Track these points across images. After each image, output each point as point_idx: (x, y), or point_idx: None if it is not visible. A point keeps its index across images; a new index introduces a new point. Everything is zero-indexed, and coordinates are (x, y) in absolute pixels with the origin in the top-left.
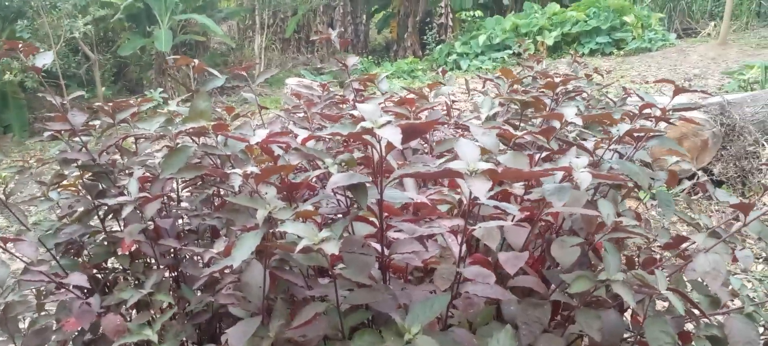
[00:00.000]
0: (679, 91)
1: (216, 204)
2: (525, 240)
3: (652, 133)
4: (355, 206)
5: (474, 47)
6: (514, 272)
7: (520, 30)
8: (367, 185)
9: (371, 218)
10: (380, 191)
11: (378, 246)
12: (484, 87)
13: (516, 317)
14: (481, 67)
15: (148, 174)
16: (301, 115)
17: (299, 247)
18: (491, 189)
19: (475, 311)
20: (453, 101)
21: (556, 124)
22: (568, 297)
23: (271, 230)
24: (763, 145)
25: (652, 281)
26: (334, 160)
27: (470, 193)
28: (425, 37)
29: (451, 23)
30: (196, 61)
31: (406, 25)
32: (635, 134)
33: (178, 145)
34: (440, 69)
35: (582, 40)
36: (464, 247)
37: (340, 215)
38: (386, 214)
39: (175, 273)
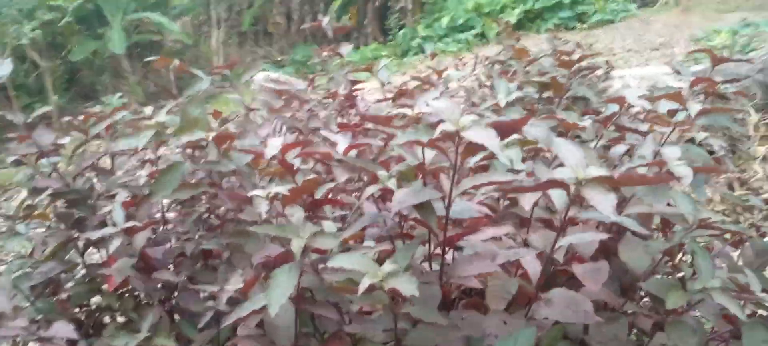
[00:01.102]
0: (718, 60)
1: (209, 223)
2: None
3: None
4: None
5: (438, 30)
6: (597, 287)
7: (483, 9)
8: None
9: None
10: (447, 205)
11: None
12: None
13: (589, 336)
14: (446, 50)
15: (130, 195)
16: (289, 114)
17: (362, 287)
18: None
19: (543, 334)
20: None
21: (613, 108)
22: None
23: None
24: (748, 112)
25: (742, 281)
26: (389, 173)
27: (567, 205)
28: (387, 22)
29: (411, 6)
30: (177, 61)
31: (366, 11)
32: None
33: (171, 163)
34: (430, 53)
35: (545, 15)
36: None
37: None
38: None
39: (169, 307)
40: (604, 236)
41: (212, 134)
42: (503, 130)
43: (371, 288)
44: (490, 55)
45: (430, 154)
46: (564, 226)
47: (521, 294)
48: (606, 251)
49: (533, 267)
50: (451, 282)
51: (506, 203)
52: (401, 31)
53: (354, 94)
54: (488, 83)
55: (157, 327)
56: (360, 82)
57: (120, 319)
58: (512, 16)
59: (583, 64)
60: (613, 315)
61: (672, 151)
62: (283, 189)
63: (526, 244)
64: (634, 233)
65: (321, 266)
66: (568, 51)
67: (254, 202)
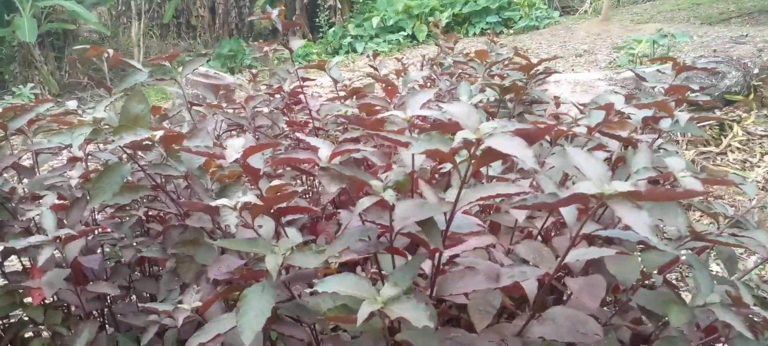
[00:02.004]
0: (682, 69)
1: (147, 228)
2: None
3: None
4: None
5: (368, 29)
6: (596, 304)
7: (413, 11)
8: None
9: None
10: (449, 219)
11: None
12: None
13: None
14: (377, 50)
15: (60, 197)
16: (230, 111)
17: (362, 316)
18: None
19: None
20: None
21: (598, 116)
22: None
23: (282, 280)
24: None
25: (734, 293)
26: (385, 183)
27: (579, 225)
28: (317, 20)
29: (340, 5)
30: (111, 51)
31: (294, 8)
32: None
33: (111, 163)
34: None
35: (473, 19)
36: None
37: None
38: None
39: (102, 318)
40: (612, 251)
41: (159, 133)
42: (530, 138)
43: (371, 316)
44: (425, 55)
45: (418, 159)
46: (574, 242)
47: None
48: (589, 263)
49: (530, 285)
50: (436, 299)
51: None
52: (331, 30)
53: (299, 91)
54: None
55: (93, 345)
56: (309, 79)
57: (45, 334)
58: (442, 19)
59: (540, 68)
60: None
61: (677, 162)
62: (253, 198)
63: (507, 253)
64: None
65: (303, 288)
66: (525, 55)
67: (221, 213)
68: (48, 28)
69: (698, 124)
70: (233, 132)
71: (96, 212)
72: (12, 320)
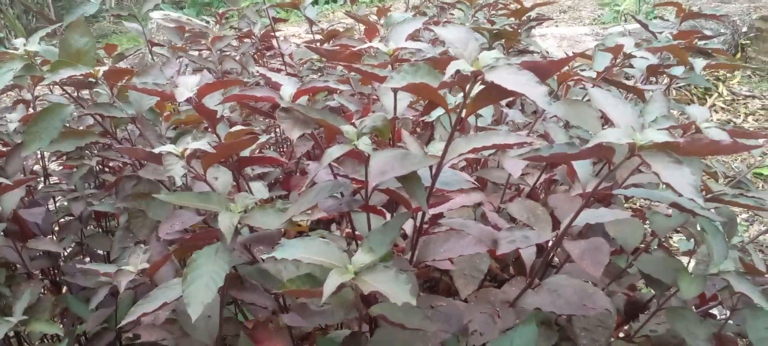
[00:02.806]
0: (687, 16)
1: (102, 179)
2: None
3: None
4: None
5: None
6: (599, 272)
7: None
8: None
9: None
10: (435, 174)
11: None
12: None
13: (572, 323)
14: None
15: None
16: (195, 53)
17: (328, 289)
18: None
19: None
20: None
21: (605, 60)
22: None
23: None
24: None
25: (748, 260)
26: (359, 129)
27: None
28: None
29: None
30: None
31: None
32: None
33: (50, 105)
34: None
35: None
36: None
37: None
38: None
39: (53, 276)
40: (627, 213)
41: (103, 69)
42: (541, 72)
43: (340, 288)
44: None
45: (401, 103)
46: (588, 202)
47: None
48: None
49: (528, 251)
50: (427, 264)
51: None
52: None
53: (272, 35)
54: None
55: (36, 308)
56: (281, 20)
57: None
58: None
59: (532, 14)
60: None
61: (699, 112)
62: (204, 145)
63: (498, 212)
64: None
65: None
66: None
67: (165, 161)
68: None
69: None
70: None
71: (48, 162)
72: None
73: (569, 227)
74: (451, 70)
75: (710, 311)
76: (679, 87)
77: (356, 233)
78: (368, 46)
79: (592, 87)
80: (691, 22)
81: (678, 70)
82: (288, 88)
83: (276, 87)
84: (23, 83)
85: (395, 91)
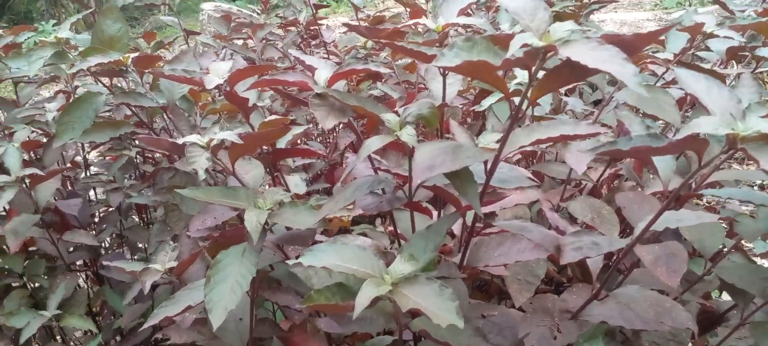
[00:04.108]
0: None
1: (142, 170)
2: None
3: None
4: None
5: None
6: (676, 281)
7: None
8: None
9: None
10: (490, 170)
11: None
12: None
13: (639, 336)
14: None
15: (38, 133)
16: (240, 42)
17: (361, 304)
18: None
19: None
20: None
21: (680, 41)
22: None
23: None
24: None
25: None
26: (402, 118)
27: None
28: None
29: None
30: None
31: None
32: None
33: (81, 93)
34: None
35: None
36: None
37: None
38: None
39: (95, 269)
40: (713, 217)
41: (133, 56)
42: (627, 46)
43: (375, 302)
44: None
45: (451, 89)
46: (670, 202)
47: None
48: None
49: (596, 259)
50: (480, 269)
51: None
52: None
53: (318, 22)
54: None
55: (70, 302)
56: (323, 6)
57: (30, 285)
58: None
59: None
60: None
61: None
62: (231, 135)
63: (557, 210)
64: None
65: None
66: None
67: (187, 152)
68: None
69: None
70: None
71: (88, 152)
72: None
73: (645, 231)
74: (516, 43)
75: None
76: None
77: (399, 232)
78: (414, 22)
79: (677, 67)
80: None
81: (765, 51)
82: (323, 72)
83: (311, 71)
84: (61, 73)
85: (445, 73)
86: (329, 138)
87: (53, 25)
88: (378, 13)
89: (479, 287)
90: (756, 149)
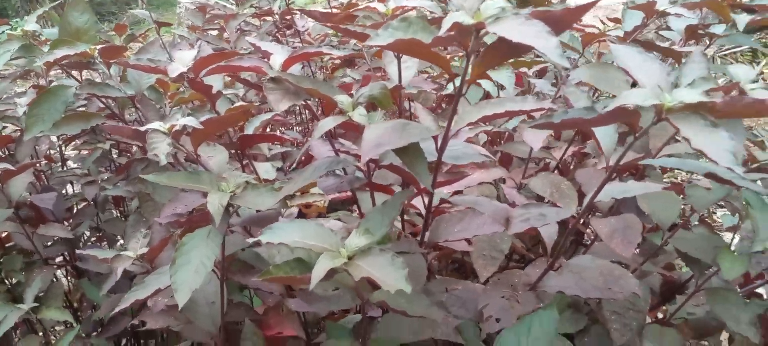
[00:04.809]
0: None
1: (118, 163)
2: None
3: None
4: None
5: None
6: (631, 252)
7: None
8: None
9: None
10: (441, 146)
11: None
12: None
13: (600, 305)
14: None
15: (14, 129)
16: (215, 33)
17: (317, 276)
18: None
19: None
20: None
21: (635, 19)
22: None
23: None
24: None
25: None
26: (354, 99)
27: (620, 151)
28: None
29: None
30: None
31: None
32: None
33: (51, 86)
34: None
35: None
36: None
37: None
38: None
39: (73, 262)
40: (658, 186)
41: (99, 46)
42: (554, 22)
43: (331, 273)
44: None
45: (406, 74)
46: (611, 174)
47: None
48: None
49: (549, 229)
50: (439, 244)
51: (487, 139)
52: None
53: (292, 12)
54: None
55: (47, 294)
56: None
57: (7, 282)
58: None
59: None
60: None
61: (743, 71)
62: (192, 121)
63: (519, 188)
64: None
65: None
66: None
67: (148, 139)
68: None
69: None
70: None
71: (64, 146)
72: None
73: (591, 203)
74: (447, 22)
75: (756, 290)
76: (724, 54)
77: (362, 212)
78: (365, 6)
79: (613, 44)
80: None
81: (719, 29)
82: (278, 56)
83: (267, 56)
84: (36, 68)
85: (399, 56)
86: (309, 127)
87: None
88: (351, 1)
89: (456, 269)
90: (680, 119)
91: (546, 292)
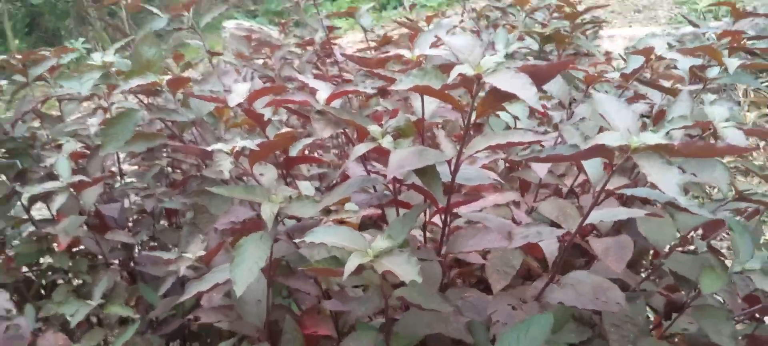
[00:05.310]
0: (741, 15)
1: (172, 178)
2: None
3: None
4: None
5: None
6: (621, 268)
7: None
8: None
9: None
10: (454, 170)
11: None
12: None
13: (602, 318)
14: (426, 5)
15: (81, 145)
16: (260, 61)
17: (349, 269)
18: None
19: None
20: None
21: (636, 62)
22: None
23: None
24: None
25: None
26: (383, 129)
27: (603, 182)
28: None
29: None
30: None
31: None
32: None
33: (121, 110)
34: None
35: None
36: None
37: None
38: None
39: (129, 267)
40: (641, 212)
41: (167, 78)
42: (539, 76)
43: (360, 269)
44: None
45: (430, 107)
46: (597, 200)
47: (524, 268)
48: (617, 223)
49: (550, 246)
50: (453, 256)
51: (506, 165)
52: None
53: (332, 42)
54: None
55: (112, 293)
56: (337, 28)
57: (75, 281)
58: None
59: (587, 17)
60: (629, 295)
61: (718, 111)
62: (250, 143)
63: (531, 211)
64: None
65: (297, 239)
66: (572, 2)
67: (215, 158)
68: None
69: (762, 82)
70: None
71: (123, 162)
72: (43, 266)
73: (582, 225)
74: (454, 73)
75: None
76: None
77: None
78: (395, 52)
79: (594, 91)
80: (746, 21)
81: (714, 71)
82: (323, 92)
83: (313, 92)
84: (100, 92)
85: (421, 94)
86: (345, 151)
87: (82, 43)
88: (386, 34)
89: (475, 285)
90: (641, 158)
91: (548, 303)
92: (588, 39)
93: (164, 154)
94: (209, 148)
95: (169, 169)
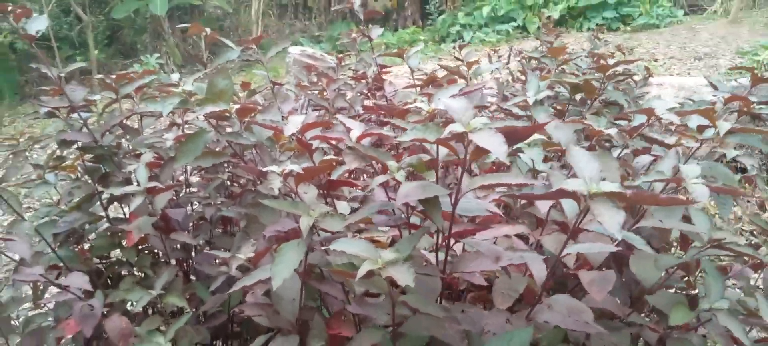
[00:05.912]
0: (758, 80)
1: (230, 190)
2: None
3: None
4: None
5: (478, 18)
6: (601, 296)
7: (525, 2)
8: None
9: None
10: (454, 202)
11: (433, 258)
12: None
13: (590, 342)
14: (485, 40)
15: (156, 156)
16: (317, 92)
17: (361, 273)
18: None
19: (544, 335)
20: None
21: (641, 118)
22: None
23: (317, 239)
24: None
25: (752, 305)
26: (399, 165)
27: (578, 215)
28: (427, 6)
29: None
30: (209, 30)
31: None
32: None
33: (196, 130)
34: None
35: (588, 14)
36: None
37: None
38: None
39: (185, 267)
40: (613, 248)
41: (235, 106)
42: (513, 136)
43: (370, 274)
44: (528, 49)
45: (445, 150)
46: (574, 234)
47: (528, 293)
48: (619, 261)
49: (539, 270)
50: (455, 275)
51: (523, 202)
52: (441, 17)
53: (383, 76)
54: (523, 78)
55: (170, 286)
56: (389, 66)
57: (138, 274)
58: (555, 12)
59: (619, 69)
60: (616, 325)
61: (691, 169)
62: (297, 167)
63: (539, 246)
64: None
65: (324, 247)
66: (605, 54)
67: (269, 177)
68: (177, 2)
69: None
70: (319, 113)
71: (189, 174)
72: (112, 259)
73: (560, 256)
74: (447, 130)
75: None
76: None
77: None
78: (414, 105)
79: (571, 146)
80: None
81: (710, 132)
82: (355, 132)
83: (348, 130)
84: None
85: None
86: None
87: (156, 59)
88: (433, 73)
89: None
90: (595, 202)
91: (537, 321)
92: (636, 86)
93: (226, 169)
94: (264, 169)
95: (229, 182)
